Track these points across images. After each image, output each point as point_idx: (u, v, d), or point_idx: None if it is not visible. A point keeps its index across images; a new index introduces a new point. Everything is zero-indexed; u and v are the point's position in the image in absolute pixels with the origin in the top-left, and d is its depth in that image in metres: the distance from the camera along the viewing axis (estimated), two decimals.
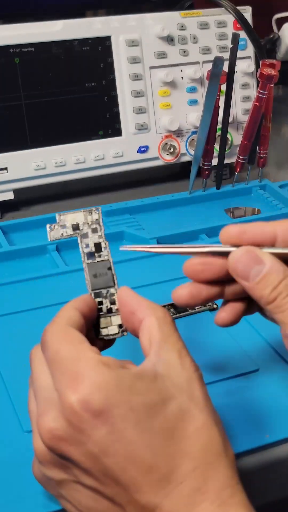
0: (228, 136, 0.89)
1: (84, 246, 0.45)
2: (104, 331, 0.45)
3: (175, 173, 0.94)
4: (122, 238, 0.77)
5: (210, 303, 0.63)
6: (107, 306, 0.45)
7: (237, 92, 0.90)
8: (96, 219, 0.46)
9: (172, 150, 0.88)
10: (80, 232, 0.46)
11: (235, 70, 0.84)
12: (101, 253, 0.45)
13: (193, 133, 0.89)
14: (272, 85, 0.81)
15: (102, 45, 0.83)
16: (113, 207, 0.82)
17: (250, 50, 0.91)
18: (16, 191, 0.83)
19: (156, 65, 0.86)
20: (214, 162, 0.87)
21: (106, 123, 0.85)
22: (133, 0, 1.03)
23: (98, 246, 0.45)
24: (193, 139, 0.89)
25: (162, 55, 0.86)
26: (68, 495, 0.41)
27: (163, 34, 0.85)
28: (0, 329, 0.62)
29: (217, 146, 0.86)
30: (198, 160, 0.85)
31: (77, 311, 0.43)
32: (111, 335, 0.45)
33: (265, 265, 0.42)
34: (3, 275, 0.70)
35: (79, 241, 0.45)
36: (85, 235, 0.45)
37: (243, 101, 0.91)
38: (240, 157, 0.87)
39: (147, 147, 0.87)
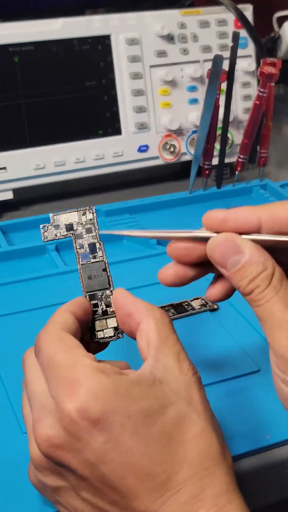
0: (229, 135, 0.89)
1: (78, 246, 0.45)
2: (99, 334, 0.44)
3: (175, 172, 0.94)
4: (122, 238, 0.76)
5: (210, 304, 0.63)
6: (102, 309, 0.44)
7: (238, 91, 0.90)
8: (91, 219, 0.45)
9: (172, 149, 0.88)
10: (74, 233, 0.45)
11: (236, 68, 0.84)
12: (96, 254, 0.45)
13: (194, 132, 0.89)
14: (273, 83, 0.81)
15: (102, 43, 0.83)
16: (112, 207, 0.82)
17: (250, 49, 0.91)
18: (15, 191, 0.82)
19: (156, 64, 0.86)
20: (215, 161, 0.87)
21: (106, 122, 0.85)
22: None
23: (92, 247, 0.45)
24: (193, 138, 0.89)
25: (162, 53, 0.86)
26: (64, 502, 0.40)
27: (163, 33, 0.85)
28: None
29: (217, 145, 0.86)
30: (199, 160, 0.85)
31: (71, 314, 0.42)
32: (106, 338, 0.44)
33: (244, 255, 0.40)
34: (2, 275, 0.69)
35: (73, 242, 0.45)
36: (79, 236, 0.45)
37: (243, 100, 0.91)
38: (241, 156, 0.87)
39: (147, 146, 0.87)
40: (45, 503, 0.45)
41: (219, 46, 0.89)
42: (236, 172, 0.88)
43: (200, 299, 0.63)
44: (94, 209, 0.45)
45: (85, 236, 0.45)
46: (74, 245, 0.45)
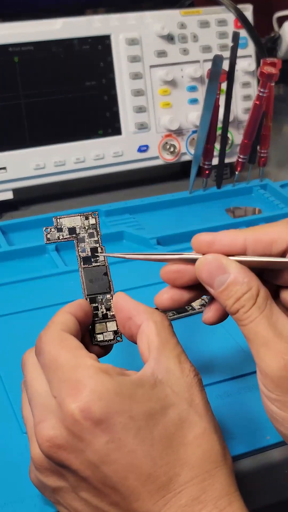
0: (229, 135, 0.89)
1: (80, 250, 0.45)
2: (99, 337, 0.45)
3: (175, 172, 0.94)
4: (122, 238, 0.76)
5: None
6: (102, 312, 0.45)
7: (238, 91, 0.90)
8: (93, 224, 0.46)
9: (172, 149, 0.88)
10: (76, 236, 0.45)
11: (236, 68, 0.84)
12: (98, 258, 0.45)
13: (193, 132, 0.89)
14: (273, 83, 0.81)
15: (101, 43, 0.83)
16: (113, 207, 0.82)
17: (250, 49, 0.91)
18: (15, 191, 0.82)
19: (156, 64, 0.86)
20: (215, 161, 0.87)
21: (106, 122, 0.85)
22: None
23: (94, 251, 0.45)
24: (193, 138, 0.89)
25: (162, 53, 0.86)
26: (64, 502, 0.40)
27: (163, 33, 0.85)
28: None
29: (217, 146, 0.86)
30: (199, 160, 0.85)
31: (72, 316, 0.42)
32: (106, 341, 0.45)
33: (230, 275, 0.41)
34: (2, 275, 0.69)
35: (75, 245, 0.45)
36: (81, 239, 0.45)
37: (243, 100, 0.91)
38: (241, 156, 0.87)
39: (147, 146, 0.87)
40: (45, 504, 0.45)
41: (219, 46, 0.89)
42: (236, 172, 0.88)
43: (200, 299, 0.63)
44: (97, 214, 0.46)
45: (87, 240, 0.45)
46: (76, 248, 0.45)
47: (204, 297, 0.56)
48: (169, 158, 0.88)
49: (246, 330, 0.41)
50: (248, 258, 0.42)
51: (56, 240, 0.45)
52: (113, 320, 0.45)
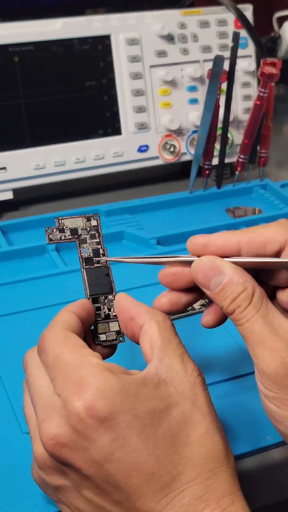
0: (229, 135, 0.89)
1: (82, 251, 0.45)
2: (102, 337, 0.45)
3: (175, 172, 0.94)
4: (122, 238, 0.76)
5: None
6: (104, 312, 0.45)
7: (238, 91, 0.90)
8: (95, 226, 0.46)
9: (172, 149, 0.88)
10: (78, 237, 0.46)
11: (236, 69, 0.84)
12: (105, 257, 0.46)
13: (194, 132, 0.89)
14: (273, 84, 0.81)
15: (101, 43, 0.83)
16: (113, 207, 0.81)
17: (250, 49, 0.91)
18: (15, 191, 0.82)
19: (156, 63, 0.86)
20: (215, 161, 0.87)
21: (106, 122, 0.85)
22: None
23: (96, 253, 0.45)
24: (193, 138, 0.89)
25: (162, 53, 0.86)
26: (66, 501, 0.40)
27: (163, 33, 0.85)
28: None
29: (217, 146, 0.86)
30: (199, 160, 0.85)
31: (75, 315, 0.42)
32: (108, 341, 0.45)
33: (225, 276, 0.41)
34: (2, 275, 0.69)
35: (77, 246, 0.46)
36: (83, 241, 0.46)
37: (243, 100, 0.91)
38: (241, 156, 0.87)
39: (147, 146, 0.87)
40: (45, 504, 0.45)
41: (219, 46, 0.89)
42: (236, 172, 0.88)
43: (200, 299, 0.63)
44: (98, 216, 0.46)
45: (89, 241, 0.46)
46: (78, 249, 0.46)
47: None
48: (169, 158, 0.88)
49: (242, 330, 0.41)
50: (242, 259, 0.42)
51: (58, 241, 0.46)
52: (115, 321, 0.45)
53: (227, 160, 0.88)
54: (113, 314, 0.45)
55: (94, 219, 0.46)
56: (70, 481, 0.39)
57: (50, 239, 0.45)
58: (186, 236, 0.76)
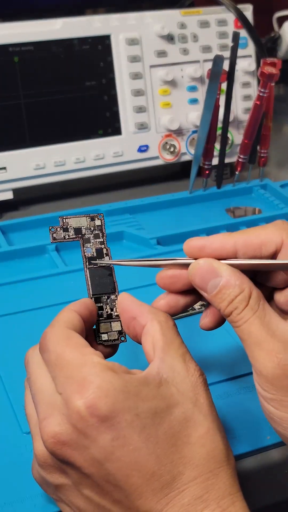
0: (229, 135, 0.89)
1: (86, 251, 0.46)
2: (104, 336, 0.45)
3: (175, 172, 0.94)
4: (122, 238, 0.76)
5: None
6: (107, 312, 0.45)
7: (238, 91, 0.90)
8: (98, 225, 0.46)
9: (172, 149, 0.88)
10: (82, 237, 0.46)
11: (236, 69, 0.84)
12: (103, 259, 0.46)
13: (194, 132, 0.89)
14: (273, 84, 0.81)
15: (101, 43, 0.83)
16: (113, 207, 0.82)
17: (250, 49, 0.91)
18: (15, 191, 0.82)
19: (156, 63, 0.86)
20: (215, 161, 0.87)
21: (106, 122, 0.85)
22: None
23: (99, 252, 0.46)
24: (193, 138, 0.89)
25: (162, 53, 0.86)
26: (66, 500, 0.40)
27: (163, 33, 0.85)
28: None
29: (217, 146, 0.86)
30: (199, 160, 0.85)
31: (77, 314, 0.42)
32: (110, 340, 0.45)
33: (222, 278, 0.42)
34: (2, 275, 0.69)
35: (81, 246, 0.46)
36: (87, 240, 0.46)
37: (243, 100, 0.91)
38: (241, 156, 0.87)
39: (147, 146, 0.87)
40: (45, 504, 0.45)
41: (219, 46, 0.89)
42: (236, 172, 0.88)
43: (198, 301, 0.63)
44: (102, 216, 0.47)
45: (92, 241, 0.46)
46: (82, 249, 0.46)
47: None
48: (169, 158, 0.88)
49: (240, 331, 0.41)
50: (239, 261, 0.43)
51: (62, 240, 0.46)
52: (117, 320, 0.45)
53: (227, 160, 0.88)
54: (115, 314, 0.45)
55: (98, 218, 0.46)
56: (70, 480, 0.39)
57: (54, 238, 0.46)
58: (186, 236, 0.76)
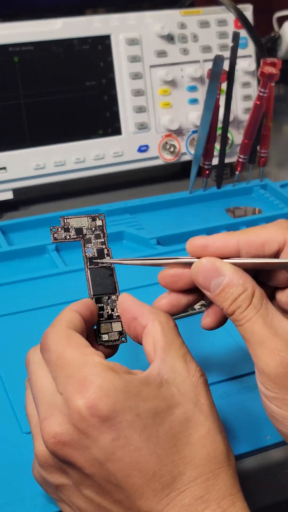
0: (229, 135, 0.89)
1: (87, 251, 0.45)
2: (104, 337, 0.45)
3: (175, 172, 0.94)
4: (122, 238, 0.76)
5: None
6: (107, 312, 0.45)
7: (238, 91, 0.90)
8: (100, 226, 0.46)
9: (172, 149, 0.88)
10: (83, 237, 0.46)
11: (236, 69, 0.84)
12: (104, 259, 0.45)
13: (194, 132, 0.89)
14: (273, 84, 0.81)
15: (101, 43, 0.83)
16: (113, 207, 0.82)
17: (250, 49, 0.91)
18: (15, 191, 0.82)
19: (156, 63, 0.86)
20: (215, 161, 0.87)
21: (106, 122, 0.85)
22: None
23: (100, 252, 0.46)
24: (193, 138, 0.89)
25: (162, 53, 0.86)
26: (67, 500, 0.40)
27: (163, 33, 0.85)
28: None
29: (217, 146, 0.86)
30: (199, 160, 0.85)
31: (78, 314, 0.42)
32: (111, 341, 0.45)
33: (225, 277, 0.42)
34: (2, 275, 0.69)
35: (82, 246, 0.46)
36: (88, 240, 0.46)
37: (243, 100, 0.91)
38: (241, 156, 0.87)
39: (147, 146, 0.87)
40: (45, 504, 0.45)
41: (219, 46, 0.89)
42: (236, 172, 0.88)
43: (200, 301, 0.63)
44: (103, 216, 0.47)
45: (93, 241, 0.46)
46: (83, 249, 0.46)
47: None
48: (169, 158, 0.88)
49: (242, 330, 0.41)
50: (242, 260, 0.43)
51: (63, 240, 0.46)
52: (118, 321, 0.45)
53: (227, 160, 0.88)
54: (116, 314, 0.45)
55: (99, 219, 0.46)
56: (71, 480, 0.39)
57: (55, 238, 0.45)
58: (186, 236, 0.76)
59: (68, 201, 0.87)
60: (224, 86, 0.83)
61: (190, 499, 0.37)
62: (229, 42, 0.87)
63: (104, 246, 0.46)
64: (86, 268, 0.45)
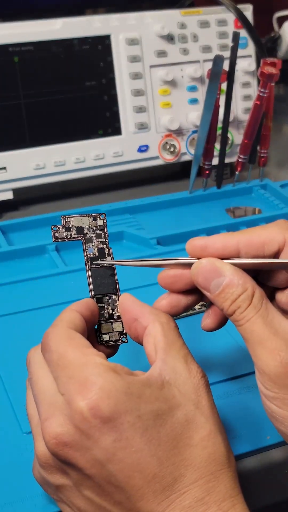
0: (229, 135, 0.89)
1: (88, 250, 0.45)
2: (105, 337, 0.45)
3: (175, 172, 0.94)
4: (122, 238, 0.76)
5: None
6: (108, 312, 0.45)
7: (238, 91, 0.90)
8: (101, 225, 0.46)
9: (172, 149, 0.88)
10: (84, 236, 0.46)
11: (236, 69, 0.84)
12: (105, 259, 0.45)
13: (194, 132, 0.89)
14: (273, 84, 0.81)
15: (101, 43, 0.83)
16: (113, 207, 0.81)
17: (250, 49, 0.91)
18: (15, 191, 0.82)
19: (156, 63, 0.86)
20: (215, 161, 0.87)
21: (106, 122, 0.85)
22: None
23: (101, 252, 0.45)
24: (193, 138, 0.89)
25: (162, 53, 0.86)
26: (67, 500, 0.40)
27: (163, 33, 0.85)
28: None
29: (217, 146, 0.86)
30: (199, 160, 0.85)
31: (79, 314, 0.42)
32: (112, 341, 0.45)
33: (225, 278, 0.42)
34: (2, 275, 0.69)
35: (83, 245, 0.46)
36: (89, 240, 0.46)
37: (243, 100, 0.91)
38: (241, 156, 0.87)
39: (147, 146, 0.87)
40: (46, 504, 0.45)
41: (219, 46, 0.89)
42: (236, 172, 0.88)
43: (199, 301, 0.63)
44: (104, 215, 0.47)
45: (94, 241, 0.46)
46: (84, 248, 0.46)
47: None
48: (169, 158, 0.88)
49: (242, 330, 0.41)
50: (241, 261, 0.43)
51: (64, 239, 0.45)
52: (119, 321, 0.45)
53: (227, 160, 0.88)
54: (117, 314, 0.45)
55: (100, 218, 0.46)
56: (71, 481, 0.39)
57: (56, 237, 0.45)
58: (186, 236, 0.76)
59: (68, 201, 0.87)
60: (224, 86, 0.83)
61: (191, 501, 0.37)
62: (229, 42, 0.87)
63: (105, 246, 0.46)
64: (87, 268, 0.45)
